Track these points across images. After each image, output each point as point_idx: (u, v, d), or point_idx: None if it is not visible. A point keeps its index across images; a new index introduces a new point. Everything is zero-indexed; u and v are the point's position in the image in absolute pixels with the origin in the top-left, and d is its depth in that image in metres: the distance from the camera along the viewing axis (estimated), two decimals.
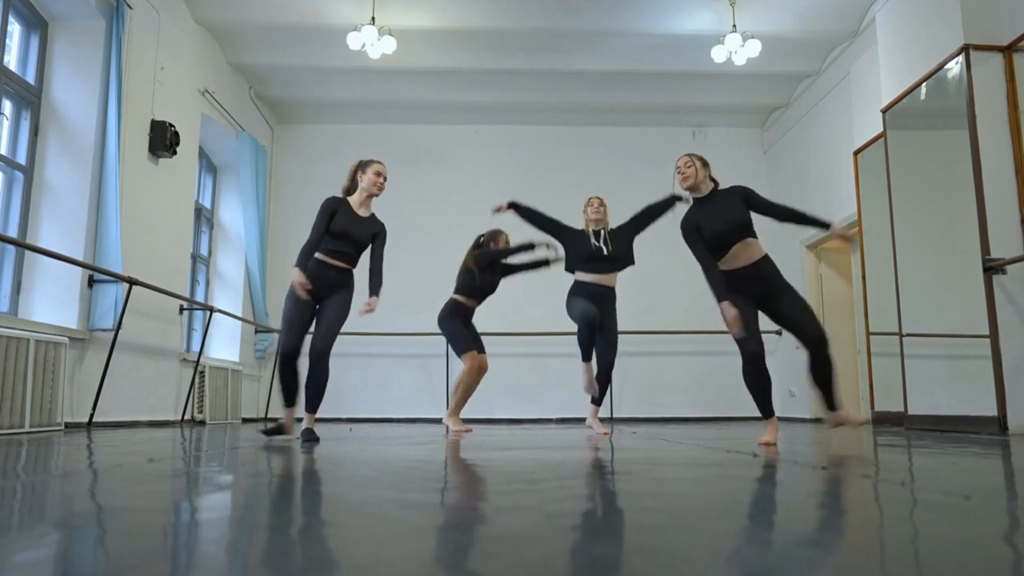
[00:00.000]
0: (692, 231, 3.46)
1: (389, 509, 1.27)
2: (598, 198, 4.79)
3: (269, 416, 8.20)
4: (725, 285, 3.38)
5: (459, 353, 5.15)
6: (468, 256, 5.26)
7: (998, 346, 4.21)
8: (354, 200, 3.82)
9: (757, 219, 3.46)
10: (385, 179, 3.85)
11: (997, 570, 0.80)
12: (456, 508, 1.31)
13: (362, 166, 3.86)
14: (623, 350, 8.30)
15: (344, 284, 3.77)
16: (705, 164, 3.54)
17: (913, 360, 4.99)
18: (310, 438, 3.52)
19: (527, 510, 1.26)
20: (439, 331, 5.28)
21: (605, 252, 4.58)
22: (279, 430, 3.69)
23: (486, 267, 5.14)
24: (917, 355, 4.97)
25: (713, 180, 3.54)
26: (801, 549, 0.92)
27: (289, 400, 3.71)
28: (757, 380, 3.33)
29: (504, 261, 5.23)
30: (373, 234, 3.83)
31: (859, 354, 7.21)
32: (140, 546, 0.93)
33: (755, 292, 3.38)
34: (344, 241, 3.70)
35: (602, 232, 4.65)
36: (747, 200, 3.43)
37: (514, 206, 4.81)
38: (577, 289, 4.63)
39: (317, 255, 3.70)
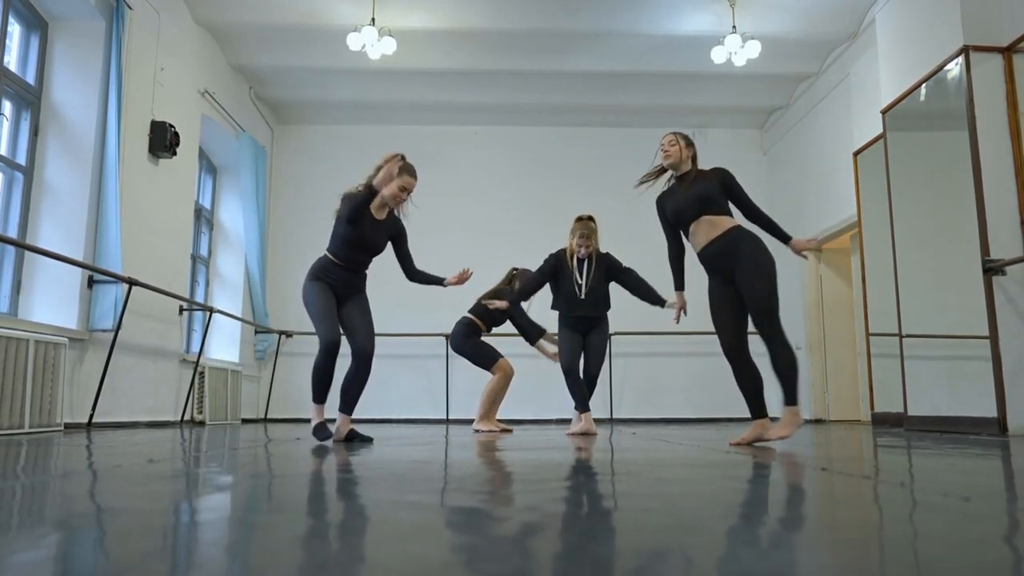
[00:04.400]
0: (660, 210, 3.55)
1: (388, 510, 1.27)
2: (586, 232, 4.75)
3: (269, 417, 8.20)
4: (680, 273, 3.58)
5: (488, 366, 5.40)
6: (508, 283, 5.47)
7: (998, 347, 4.22)
8: (375, 202, 3.58)
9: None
10: (409, 194, 3.61)
11: (997, 571, 0.80)
12: (455, 509, 1.31)
13: (389, 168, 3.50)
14: (623, 351, 8.35)
15: (361, 285, 3.70)
16: (690, 144, 3.51)
17: (913, 361, 4.99)
18: (365, 439, 3.57)
19: (527, 511, 1.26)
20: (457, 350, 5.48)
21: (581, 296, 4.71)
22: (328, 434, 3.56)
23: (517, 303, 5.29)
24: (917, 356, 4.97)
25: (695, 163, 3.51)
26: (801, 550, 0.92)
27: (323, 396, 3.59)
28: (738, 376, 3.30)
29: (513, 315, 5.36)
30: (390, 237, 3.69)
31: (859, 355, 7.21)
32: (140, 547, 0.93)
33: (724, 271, 3.32)
34: (359, 250, 3.58)
35: (585, 265, 4.76)
36: (722, 182, 3.39)
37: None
38: (564, 318, 4.83)
39: (331, 258, 3.60)
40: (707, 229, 3.33)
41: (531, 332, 5.25)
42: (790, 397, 3.21)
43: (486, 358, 5.41)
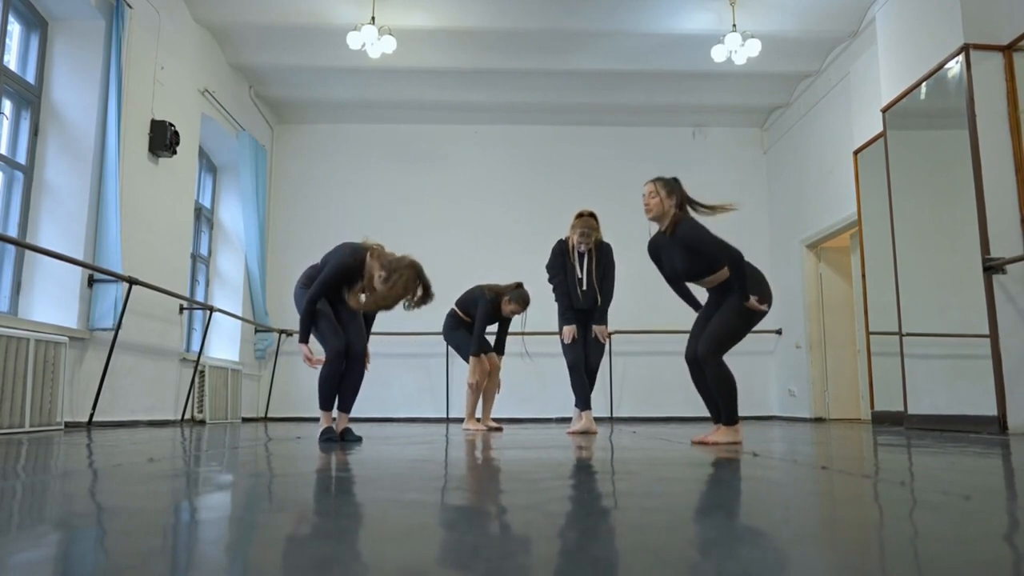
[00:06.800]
0: (653, 257, 3.61)
1: (388, 509, 1.27)
2: (587, 230, 4.71)
3: (269, 416, 8.21)
4: (689, 297, 3.71)
5: (467, 357, 5.44)
6: (495, 291, 5.48)
7: (998, 346, 4.22)
8: (366, 279, 3.50)
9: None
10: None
11: (997, 570, 0.80)
12: (455, 508, 1.31)
13: (392, 281, 3.40)
14: (624, 349, 8.35)
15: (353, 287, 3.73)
16: (671, 192, 3.41)
17: (913, 360, 4.99)
18: (355, 438, 3.56)
19: (527, 510, 1.26)
20: (445, 340, 5.64)
21: (582, 289, 4.73)
22: (335, 438, 3.53)
23: (485, 316, 5.42)
24: (917, 355, 4.97)
25: (681, 208, 3.40)
26: (801, 549, 0.92)
27: (332, 404, 3.58)
28: (695, 382, 3.51)
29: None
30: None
31: (859, 354, 7.22)
32: (140, 546, 0.93)
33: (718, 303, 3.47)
34: (336, 289, 3.57)
35: (585, 259, 4.75)
36: (688, 248, 3.31)
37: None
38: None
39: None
40: (707, 286, 3.46)
41: (476, 344, 5.29)
42: (723, 417, 3.34)
43: (466, 350, 5.48)
